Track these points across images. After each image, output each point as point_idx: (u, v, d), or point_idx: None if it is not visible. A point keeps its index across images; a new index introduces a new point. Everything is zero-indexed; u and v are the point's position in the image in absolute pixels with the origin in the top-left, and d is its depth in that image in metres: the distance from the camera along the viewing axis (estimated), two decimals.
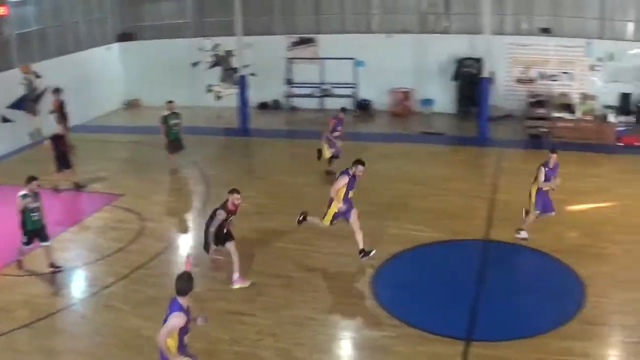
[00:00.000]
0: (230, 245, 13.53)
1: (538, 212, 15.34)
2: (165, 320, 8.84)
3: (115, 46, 31.49)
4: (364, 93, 29.53)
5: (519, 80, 26.69)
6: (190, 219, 18.17)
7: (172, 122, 20.75)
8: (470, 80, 26.53)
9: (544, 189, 15.28)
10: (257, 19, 30.04)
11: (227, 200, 13.35)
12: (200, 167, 21.72)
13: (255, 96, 28.65)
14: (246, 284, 13.66)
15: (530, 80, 26.61)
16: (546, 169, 15.22)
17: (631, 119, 25.59)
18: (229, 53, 29.66)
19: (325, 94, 29.97)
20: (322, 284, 13.83)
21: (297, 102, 30.60)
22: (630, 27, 26.89)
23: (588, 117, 24.35)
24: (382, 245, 15.22)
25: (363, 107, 29.30)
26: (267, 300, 13.18)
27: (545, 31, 26.88)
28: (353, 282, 13.99)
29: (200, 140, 22.97)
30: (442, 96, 28.26)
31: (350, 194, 14.30)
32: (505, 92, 26.99)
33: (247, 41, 27.24)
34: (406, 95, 28.82)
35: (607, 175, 20.69)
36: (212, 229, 13.22)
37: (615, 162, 22.28)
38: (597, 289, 13.29)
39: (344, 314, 12.71)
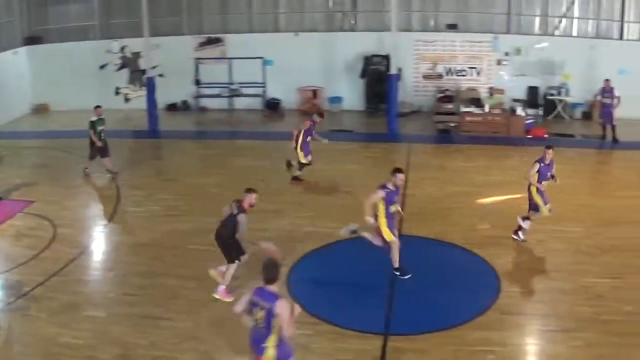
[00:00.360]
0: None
1: (548, 206, 15.17)
2: (269, 316, 8.63)
3: (23, 50, 30.22)
4: (273, 92, 29.25)
5: (427, 76, 26.92)
6: (102, 223, 17.61)
7: (100, 127, 20.18)
8: (378, 77, 26.65)
9: (540, 189, 15.16)
10: (164, 19, 29.52)
11: (240, 201, 12.64)
12: (110, 171, 21.09)
13: (164, 97, 28.06)
14: (230, 298, 12.60)
15: (438, 76, 26.88)
16: (541, 164, 15.12)
17: (539, 111, 26.26)
18: (136, 55, 29.23)
19: (234, 94, 29.58)
20: (238, 284, 13.42)
21: (206, 102, 30.13)
22: (537, 21, 27.63)
23: (496, 111, 24.72)
24: (296, 243, 15.05)
25: (272, 107, 29.02)
26: (183, 302, 12.84)
27: (452, 27, 27.24)
28: None
29: (110, 143, 22.30)
30: (351, 94, 28.30)
31: (392, 209, 13.46)
32: (413, 88, 27.24)
33: (154, 42, 26.72)
34: (315, 93, 28.72)
35: (517, 167, 20.67)
36: (240, 236, 12.60)
37: (524, 154, 22.29)
38: (511, 279, 13.49)
39: None
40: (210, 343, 11.43)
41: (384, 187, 13.23)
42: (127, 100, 29.01)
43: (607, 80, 24.50)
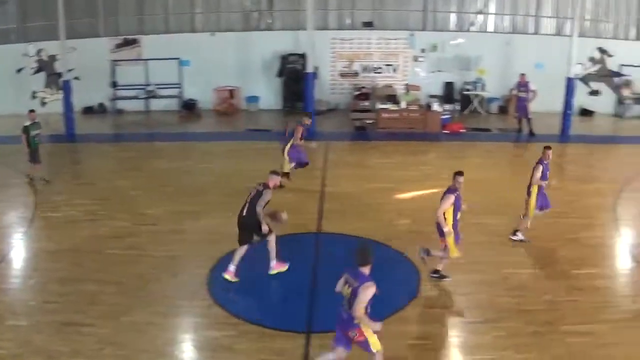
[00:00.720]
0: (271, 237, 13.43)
1: (538, 210, 15.37)
2: (354, 294, 9.31)
3: None
4: (190, 93, 29.03)
5: (343, 74, 26.94)
6: (21, 230, 16.97)
7: (34, 132, 19.64)
8: (295, 76, 26.62)
9: (544, 187, 15.32)
10: (80, 21, 28.90)
11: (266, 182, 13.29)
12: (27, 176, 20.57)
13: (80, 100, 27.48)
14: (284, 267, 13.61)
15: (355, 74, 26.94)
16: (543, 164, 15.25)
17: (455, 106, 26.63)
18: (52, 58, 28.52)
19: (151, 95, 29.20)
20: (157, 287, 13.22)
21: (123, 104, 29.60)
22: (453, 17, 28.03)
23: (413, 107, 24.86)
24: (216, 244, 14.79)
25: (189, 107, 28.71)
26: (103, 308, 12.43)
27: (368, 25, 27.37)
28: (188, 284, 13.44)
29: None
30: (268, 93, 28.25)
31: (458, 215, 13.36)
32: (330, 86, 27.29)
33: (70, 45, 26.07)
34: (232, 93, 28.52)
35: (433, 162, 21.30)
36: (260, 209, 13.02)
37: (440, 149, 22.96)
38: (429, 272, 13.51)
39: (182, 317, 12.27)
40: (131, 348, 11.14)
41: (451, 190, 13.08)
42: (43, 104, 28.33)
43: (522, 74, 25.01)
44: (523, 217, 15.60)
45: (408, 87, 26.06)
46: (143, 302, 12.63)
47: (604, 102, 30.05)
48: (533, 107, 25.20)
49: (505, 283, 13.46)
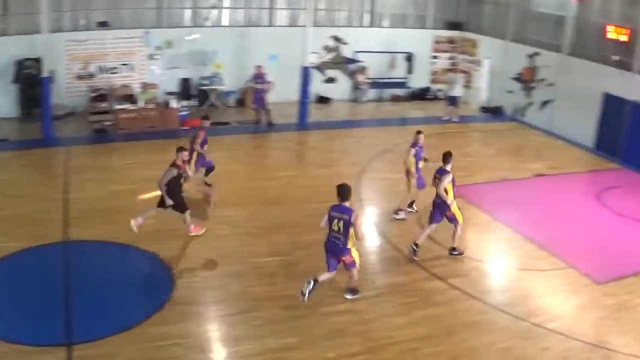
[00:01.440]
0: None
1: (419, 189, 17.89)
2: (347, 223, 12.48)
3: None
4: None
5: (80, 76, 26.64)
6: None
7: None
8: (31, 81, 26.17)
9: (419, 166, 17.56)
10: None
11: (174, 159, 15.47)
12: None
13: None
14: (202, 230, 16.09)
15: (91, 75, 26.77)
16: (416, 148, 17.50)
17: (193, 102, 27.45)
18: None
19: None
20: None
21: None
22: (187, 13, 28.81)
23: (150, 106, 25.29)
24: None
25: None
26: None
27: (103, 25, 27.24)
28: None
29: None
30: (4, 100, 27.38)
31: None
32: (67, 89, 26.91)
33: None
34: None
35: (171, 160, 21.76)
36: (160, 182, 15.17)
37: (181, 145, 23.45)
38: (183, 270, 14.25)
39: None
40: None
41: (445, 171, 15.51)
42: None
43: (258, 66, 26.11)
44: (410, 198, 17.83)
45: (145, 86, 26.44)
46: None
47: (340, 88, 32.16)
48: (271, 97, 26.44)
49: (257, 272, 14.41)
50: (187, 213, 15.76)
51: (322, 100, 31.41)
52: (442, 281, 14.72)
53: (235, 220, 16.89)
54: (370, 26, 33.41)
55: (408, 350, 12.08)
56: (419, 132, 17.81)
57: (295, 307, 12.94)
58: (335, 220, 12.57)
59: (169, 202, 15.24)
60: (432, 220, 15.69)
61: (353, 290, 13.60)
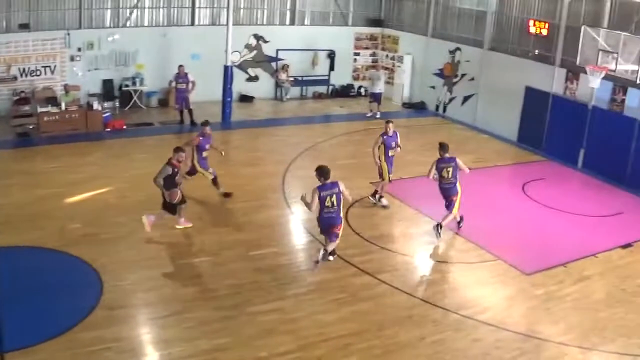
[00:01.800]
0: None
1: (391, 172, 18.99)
2: (339, 195, 14.24)
3: None
4: None
5: (1, 80, 26.50)
6: None
7: None
8: None
9: (389, 154, 18.72)
10: None
11: (170, 158, 15.99)
12: None
13: None
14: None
15: (13, 78, 26.68)
16: (385, 137, 18.52)
17: (115, 103, 27.68)
18: None
19: None
20: None
21: None
22: (109, 14, 28.95)
23: (73, 108, 25.24)
24: None
25: None
26: None
27: (24, 27, 27.00)
28: None
29: None
30: None
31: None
32: None
33: None
34: None
35: (99, 161, 21.86)
36: (159, 180, 15.78)
37: (104, 147, 23.63)
38: (111, 274, 14.17)
39: None
40: None
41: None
42: None
43: (180, 66, 26.43)
44: (382, 185, 18.86)
45: (67, 88, 26.45)
46: None
47: (263, 87, 32.78)
48: (193, 97, 26.83)
49: (184, 273, 14.60)
50: (180, 209, 16.63)
51: (245, 99, 31.95)
52: (370, 276, 15.02)
53: (157, 222, 16.73)
54: (292, 24, 33.96)
55: (340, 346, 12.27)
56: (388, 122, 18.81)
57: (225, 307, 13.17)
58: (328, 197, 14.12)
59: (167, 196, 16.02)
60: (448, 207, 17.21)
61: (332, 253, 15.16)
